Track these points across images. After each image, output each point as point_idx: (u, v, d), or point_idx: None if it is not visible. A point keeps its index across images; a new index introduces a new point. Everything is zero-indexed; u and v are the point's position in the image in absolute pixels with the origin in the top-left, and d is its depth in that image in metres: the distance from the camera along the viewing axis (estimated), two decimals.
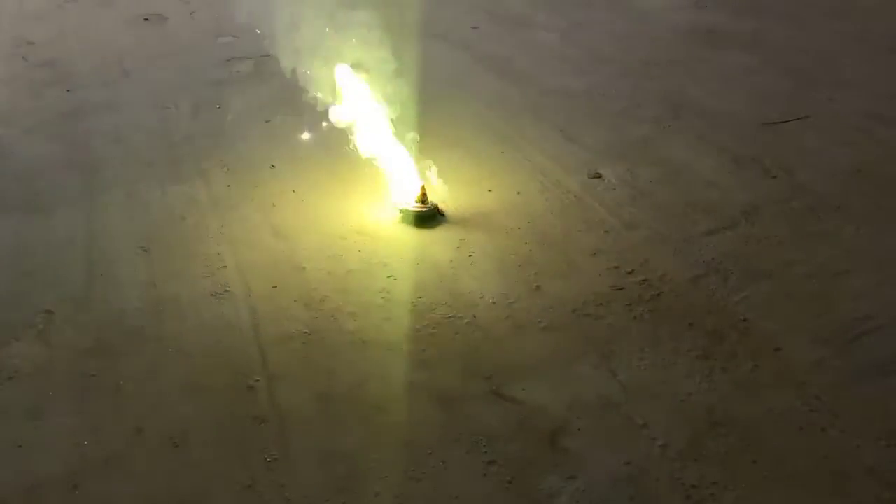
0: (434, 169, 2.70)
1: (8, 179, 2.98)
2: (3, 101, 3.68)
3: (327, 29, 3.02)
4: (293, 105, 3.48)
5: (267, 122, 3.38)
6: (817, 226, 2.53)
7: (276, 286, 2.32)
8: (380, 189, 2.73)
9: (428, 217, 2.60)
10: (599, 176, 2.85)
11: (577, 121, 3.28)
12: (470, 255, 2.44)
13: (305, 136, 3.13)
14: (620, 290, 2.26)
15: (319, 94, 2.90)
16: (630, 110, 3.36)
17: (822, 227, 2.53)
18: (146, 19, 4.75)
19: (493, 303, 2.23)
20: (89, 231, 2.63)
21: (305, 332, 2.13)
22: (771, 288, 2.25)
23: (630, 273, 2.33)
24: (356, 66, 2.90)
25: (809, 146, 3.01)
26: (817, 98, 3.39)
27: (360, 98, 2.88)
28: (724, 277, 2.30)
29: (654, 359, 2.01)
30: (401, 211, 2.62)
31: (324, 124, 2.93)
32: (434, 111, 3.35)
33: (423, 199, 2.61)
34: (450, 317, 2.18)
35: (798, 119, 3.22)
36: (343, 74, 2.92)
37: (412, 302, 2.24)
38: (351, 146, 2.82)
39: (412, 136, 2.82)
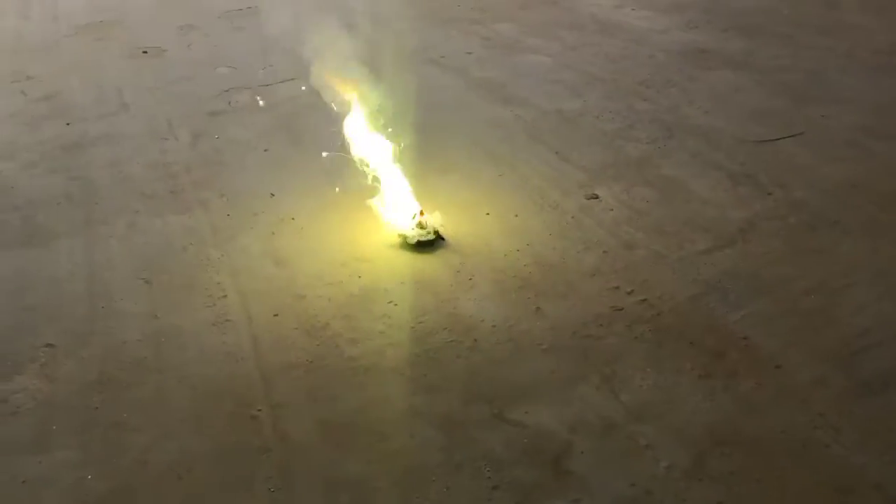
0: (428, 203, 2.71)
1: (9, 213, 2.99)
2: (4, 136, 3.71)
3: (321, 57, 3.05)
4: (291, 133, 3.53)
5: (265, 150, 3.40)
6: (814, 241, 2.55)
7: (277, 314, 2.33)
8: (379, 215, 2.74)
9: (427, 242, 2.61)
10: (596, 197, 2.87)
11: (572, 143, 3.31)
12: (470, 279, 2.45)
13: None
14: (620, 310, 2.27)
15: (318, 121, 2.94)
16: (625, 131, 3.39)
17: (820, 243, 2.54)
18: (144, 52, 4.80)
19: (494, 326, 2.24)
20: (90, 263, 2.64)
21: (307, 360, 2.14)
22: (770, 305, 2.26)
23: (630, 293, 2.34)
24: (351, 92, 2.93)
25: (804, 162, 3.04)
26: (810, 115, 3.42)
27: (356, 125, 2.91)
28: (724, 295, 2.31)
29: (656, 379, 2.02)
30: (400, 236, 2.63)
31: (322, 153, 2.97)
32: (430, 136, 3.38)
33: (423, 224, 2.63)
34: (451, 341, 2.18)
35: (792, 136, 3.24)
36: (337, 102, 2.96)
37: (413, 327, 2.25)
38: (349, 173, 2.84)
39: (407, 160, 2.85)
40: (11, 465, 1.87)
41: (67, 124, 3.79)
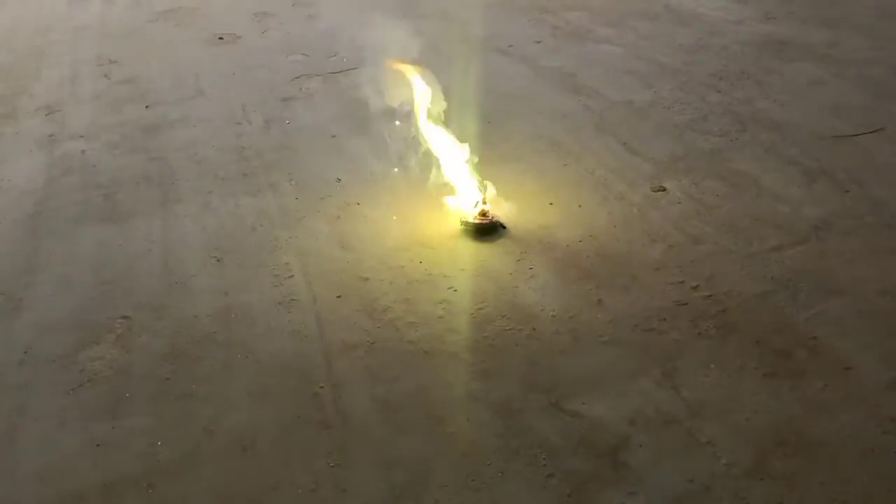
0: (492, 187, 2.72)
1: (91, 191, 3.14)
2: (88, 117, 3.88)
3: (390, 46, 3.09)
4: (359, 120, 3.58)
5: (333, 137, 3.47)
6: (892, 242, 2.45)
7: (340, 296, 2.38)
8: (442, 202, 2.76)
9: (489, 230, 2.62)
10: (663, 189, 2.82)
11: (641, 134, 3.26)
12: (530, 268, 2.44)
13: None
14: (685, 305, 2.23)
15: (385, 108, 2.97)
16: (696, 123, 3.32)
17: None
18: (221, 38, 4.94)
19: (554, 316, 2.23)
20: (166, 241, 2.75)
21: (368, 341, 2.18)
22: (842, 305, 2.18)
23: (695, 288, 2.30)
24: (420, 80, 2.95)
25: (884, 160, 2.92)
26: (892, 110, 3.28)
27: (423, 112, 2.93)
28: (794, 294, 2.24)
29: (720, 376, 1.98)
30: (462, 223, 2.65)
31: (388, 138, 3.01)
32: (496, 125, 3.39)
33: (485, 211, 2.64)
34: (509, 329, 2.19)
35: (872, 132, 3.12)
36: (406, 90, 2.98)
37: (472, 313, 2.26)
38: (413, 160, 2.87)
39: (474, 149, 2.85)
40: (87, 428, 1.97)
41: (147, 107, 3.94)
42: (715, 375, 1.98)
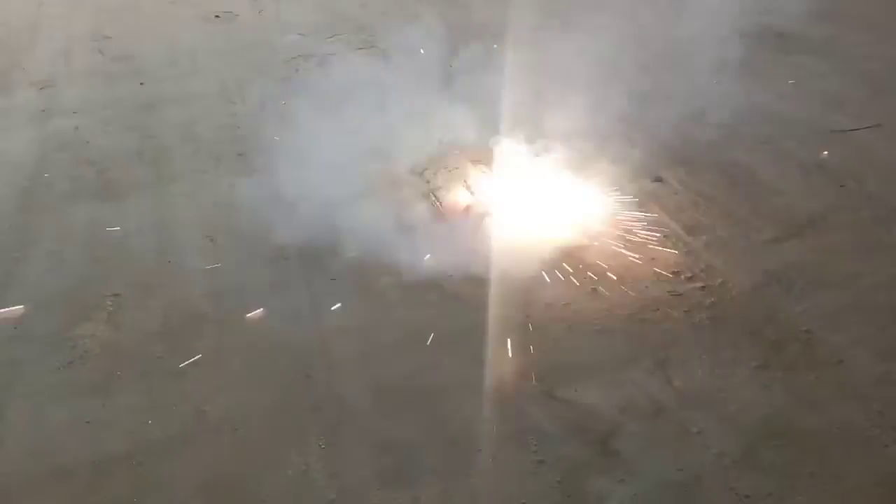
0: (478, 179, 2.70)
1: (84, 167, 3.10)
2: (82, 94, 3.84)
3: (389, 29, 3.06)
4: (354, 102, 3.55)
5: (329, 118, 3.43)
6: (886, 237, 2.45)
7: (334, 278, 2.36)
8: (435, 192, 2.75)
9: (475, 211, 2.61)
10: (661, 180, 2.82)
11: (639, 124, 3.24)
12: (527, 256, 2.43)
13: None
14: (679, 295, 2.23)
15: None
16: (695, 114, 3.30)
17: (892, 239, 2.44)
18: (217, 16, 4.89)
19: (549, 304, 2.23)
20: (159, 219, 2.73)
21: (363, 326, 2.17)
22: (836, 299, 2.19)
23: (689, 279, 2.30)
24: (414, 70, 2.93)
25: (880, 155, 2.91)
26: (890, 106, 3.27)
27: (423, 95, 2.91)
28: (788, 287, 2.25)
29: (712, 366, 1.98)
30: (456, 208, 2.63)
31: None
32: (491, 114, 3.36)
33: (479, 200, 2.63)
34: (504, 316, 2.18)
35: (869, 127, 3.11)
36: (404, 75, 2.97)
37: (466, 300, 2.25)
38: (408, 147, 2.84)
39: (468, 135, 2.84)
40: (77, 406, 1.95)
41: (142, 84, 3.90)
42: (707, 366, 1.98)
